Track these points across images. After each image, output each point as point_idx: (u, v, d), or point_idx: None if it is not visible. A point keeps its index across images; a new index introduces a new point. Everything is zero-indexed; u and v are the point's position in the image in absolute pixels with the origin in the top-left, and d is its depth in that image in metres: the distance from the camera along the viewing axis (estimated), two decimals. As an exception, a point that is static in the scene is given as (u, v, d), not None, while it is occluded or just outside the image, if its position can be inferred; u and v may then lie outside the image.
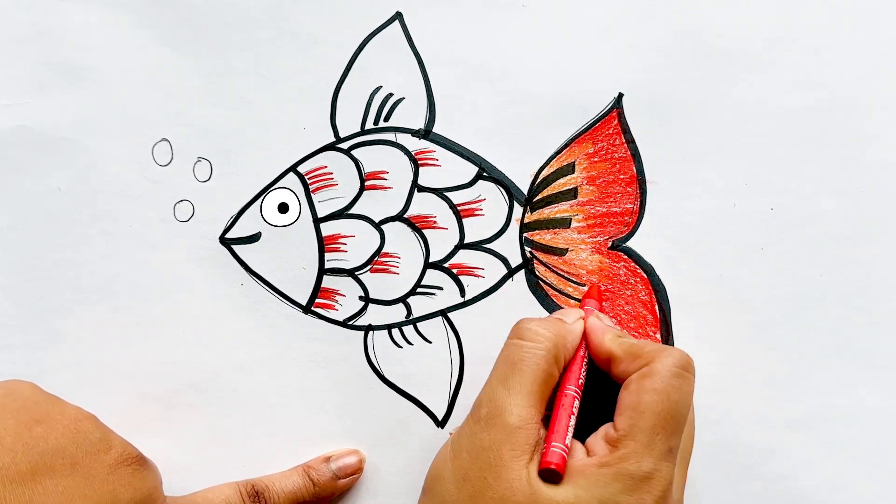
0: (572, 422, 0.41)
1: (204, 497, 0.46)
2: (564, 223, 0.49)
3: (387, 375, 0.49)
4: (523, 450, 0.40)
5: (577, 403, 0.42)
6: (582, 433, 0.42)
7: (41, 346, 0.49)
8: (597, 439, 0.41)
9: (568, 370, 0.43)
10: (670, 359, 0.41)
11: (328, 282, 0.49)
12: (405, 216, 0.50)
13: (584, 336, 0.45)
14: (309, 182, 0.50)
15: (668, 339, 0.49)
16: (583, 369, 0.44)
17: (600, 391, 0.44)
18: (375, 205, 0.50)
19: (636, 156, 0.49)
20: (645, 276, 0.49)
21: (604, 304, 0.49)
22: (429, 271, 0.49)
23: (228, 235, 0.50)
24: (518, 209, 0.50)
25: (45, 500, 0.38)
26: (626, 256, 0.49)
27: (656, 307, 0.49)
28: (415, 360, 0.49)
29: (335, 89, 0.50)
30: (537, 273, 0.49)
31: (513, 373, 0.42)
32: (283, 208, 0.50)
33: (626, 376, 0.42)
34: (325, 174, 0.50)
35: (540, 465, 0.39)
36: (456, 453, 0.41)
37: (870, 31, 0.49)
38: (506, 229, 0.50)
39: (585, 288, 0.49)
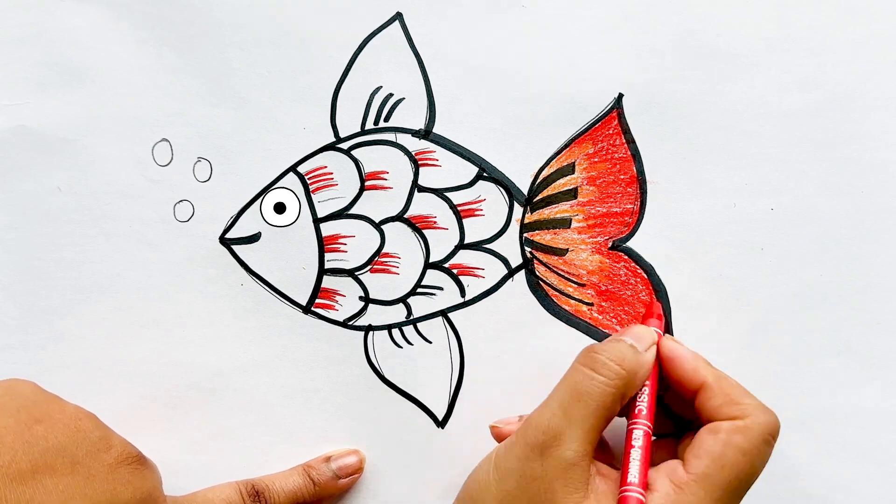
0: (645, 463, 0.40)
1: (204, 497, 0.46)
2: (564, 223, 0.49)
3: (387, 375, 0.49)
4: (577, 487, 0.39)
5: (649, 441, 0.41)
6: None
7: (41, 346, 0.49)
8: (660, 475, 0.40)
9: (638, 401, 0.42)
10: (767, 422, 0.40)
11: (328, 282, 0.49)
12: (405, 216, 0.50)
13: (659, 364, 0.43)
14: (309, 182, 0.50)
15: (668, 339, 0.49)
16: (652, 400, 0.42)
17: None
18: (375, 205, 0.50)
19: (636, 156, 0.49)
20: (645, 276, 0.49)
21: (604, 303, 0.49)
22: (429, 271, 0.49)
23: (228, 235, 0.50)
24: (518, 209, 0.50)
25: (46, 498, 0.38)
26: (626, 256, 0.49)
27: (656, 307, 0.49)
28: (415, 360, 0.49)
29: (335, 89, 0.50)
30: (537, 273, 0.49)
31: (577, 404, 0.40)
32: (282, 208, 0.50)
33: (713, 415, 0.40)
34: (324, 174, 0.50)
35: None
36: (501, 477, 0.40)
37: (869, 31, 0.49)
38: (506, 229, 0.50)
39: (586, 289, 0.49)
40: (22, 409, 0.40)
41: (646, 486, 0.39)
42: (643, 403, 0.42)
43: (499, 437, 0.45)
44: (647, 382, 0.42)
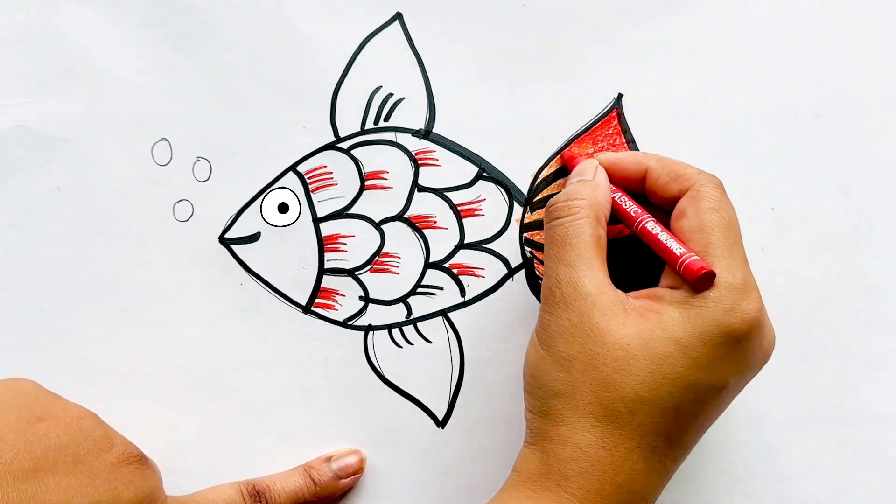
0: (679, 239, 0.41)
1: (205, 497, 0.46)
2: (564, 223, 0.49)
3: (387, 375, 0.49)
4: (614, 311, 0.39)
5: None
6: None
7: (41, 346, 0.49)
8: (672, 275, 0.41)
9: (626, 209, 0.44)
10: (711, 179, 0.42)
11: (328, 282, 0.49)
12: (405, 216, 0.50)
13: (611, 175, 0.45)
14: (309, 182, 0.50)
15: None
16: (633, 201, 0.44)
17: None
18: (375, 205, 0.50)
19: (636, 156, 0.49)
20: (645, 276, 0.49)
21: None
22: (429, 271, 0.49)
23: (228, 235, 0.50)
24: (518, 209, 0.50)
25: (48, 496, 0.38)
26: (626, 256, 0.49)
27: (656, 307, 0.49)
28: (415, 360, 0.49)
29: (335, 89, 0.50)
30: (537, 273, 0.49)
31: (566, 250, 0.41)
32: (282, 208, 0.50)
33: (666, 192, 0.43)
34: (324, 174, 0.50)
35: (695, 274, 0.39)
36: (547, 344, 0.41)
37: (870, 31, 0.49)
38: (506, 229, 0.50)
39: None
40: (24, 407, 0.40)
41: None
42: (630, 207, 0.44)
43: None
44: (617, 194, 0.44)
